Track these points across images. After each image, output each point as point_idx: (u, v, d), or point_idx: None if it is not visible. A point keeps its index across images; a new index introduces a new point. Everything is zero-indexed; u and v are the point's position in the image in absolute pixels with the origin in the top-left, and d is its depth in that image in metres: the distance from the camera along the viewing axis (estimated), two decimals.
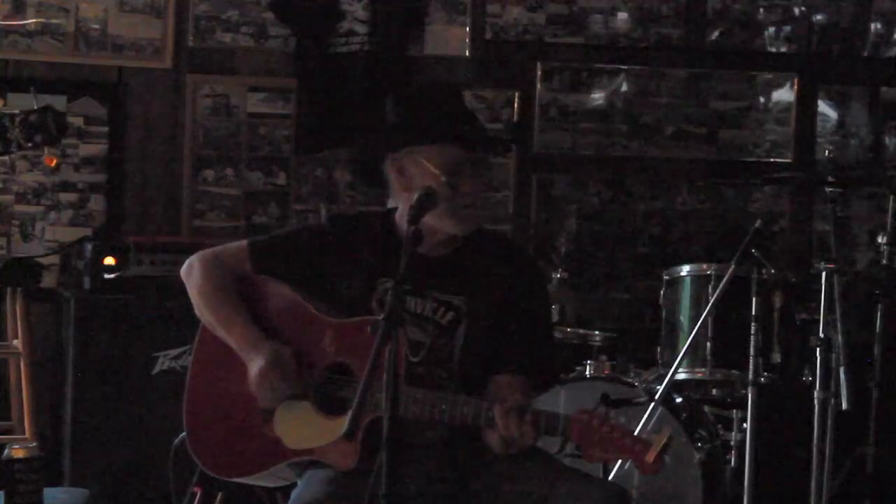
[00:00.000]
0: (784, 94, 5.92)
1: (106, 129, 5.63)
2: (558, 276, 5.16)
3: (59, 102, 5.52)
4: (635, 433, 2.78)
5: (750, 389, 4.32)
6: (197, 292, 3.16)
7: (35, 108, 3.17)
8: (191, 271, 3.19)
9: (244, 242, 3.22)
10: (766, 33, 5.91)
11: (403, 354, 2.85)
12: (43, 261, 5.18)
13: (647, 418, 4.26)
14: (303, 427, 3.00)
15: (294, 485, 3.12)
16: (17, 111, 3.19)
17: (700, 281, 4.66)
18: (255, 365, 3.01)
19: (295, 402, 3.01)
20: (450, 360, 3.05)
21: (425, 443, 2.99)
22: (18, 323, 4.81)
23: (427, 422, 2.90)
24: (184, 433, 3.16)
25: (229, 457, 3.10)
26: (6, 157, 3.22)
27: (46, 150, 3.20)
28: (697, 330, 4.41)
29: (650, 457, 2.69)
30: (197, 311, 3.17)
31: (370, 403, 2.73)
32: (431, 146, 3.04)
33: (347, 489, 2.87)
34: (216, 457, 3.12)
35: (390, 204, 3.27)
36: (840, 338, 4.26)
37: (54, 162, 3.28)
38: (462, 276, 3.09)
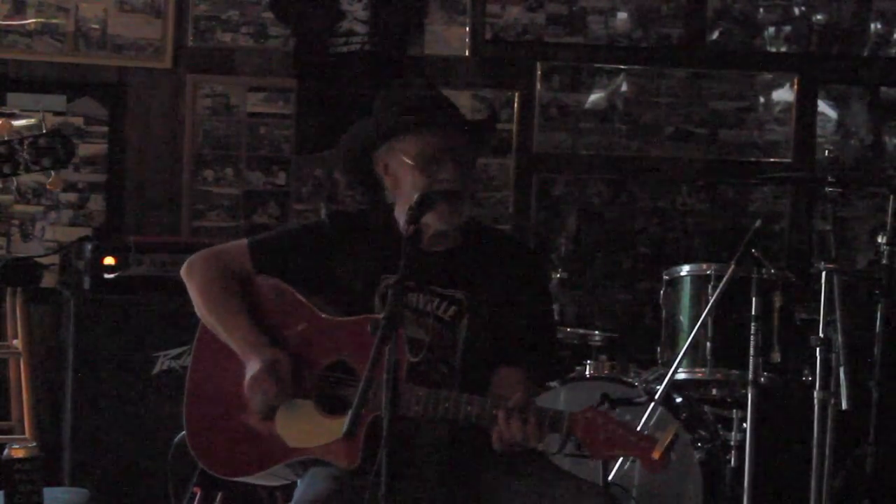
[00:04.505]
0: (784, 94, 5.92)
1: (106, 129, 5.64)
2: (558, 276, 5.16)
3: (59, 102, 5.55)
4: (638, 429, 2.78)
5: (750, 389, 4.32)
6: (197, 292, 3.15)
7: (44, 131, 3.18)
8: (191, 271, 3.18)
9: (244, 241, 3.21)
10: (766, 33, 5.91)
11: (404, 355, 2.85)
12: (43, 261, 5.17)
13: (647, 418, 4.26)
14: (304, 426, 3.00)
15: (294, 484, 3.12)
16: (25, 133, 3.19)
17: (700, 281, 4.66)
18: (251, 368, 3.01)
19: (296, 402, 3.01)
20: (452, 354, 3.05)
21: (425, 442, 2.99)
22: (18, 323, 4.81)
23: (428, 421, 2.89)
24: (184, 432, 3.16)
25: (229, 456, 3.09)
26: (13, 179, 3.22)
27: (53, 174, 3.21)
28: (697, 330, 4.41)
29: (655, 454, 2.68)
30: (197, 311, 3.16)
31: (372, 402, 2.73)
32: (406, 138, 3.04)
33: (350, 488, 2.86)
34: (216, 456, 3.11)
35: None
36: (840, 338, 4.25)
37: (59, 187, 3.28)
38: (463, 271, 3.09)
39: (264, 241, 3.22)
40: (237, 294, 3.12)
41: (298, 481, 3.09)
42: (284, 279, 3.13)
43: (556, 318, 4.98)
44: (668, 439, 2.69)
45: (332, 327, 3.04)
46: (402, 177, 3.05)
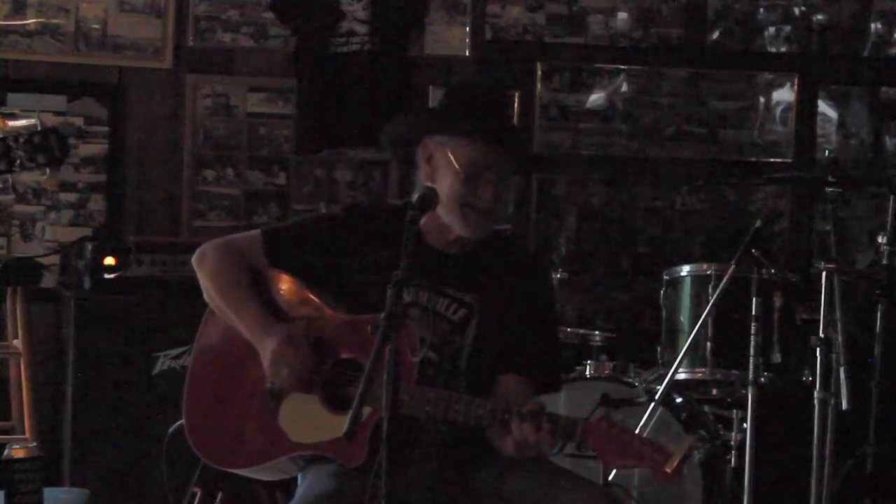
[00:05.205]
0: (784, 94, 5.92)
1: (106, 129, 5.63)
2: (558, 276, 5.15)
3: (59, 102, 5.55)
4: (646, 434, 2.75)
5: (750, 389, 4.32)
6: (208, 277, 3.12)
7: (39, 129, 3.18)
8: (203, 258, 3.15)
9: (257, 232, 3.18)
10: (766, 33, 5.91)
11: (411, 354, 2.84)
12: (43, 261, 5.17)
13: (647, 418, 4.26)
14: (309, 421, 2.98)
15: (294, 483, 3.12)
16: (21, 132, 3.20)
17: (700, 281, 4.66)
18: (268, 346, 2.98)
19: (302, 396, 3.00)
20: (458, 357, 3.05)
21: (427, 442, 2.99)
22: (18, 323, 4.81)
23: (429, 421, 2.89)
24: (180, 421, 3.14)
25: (229, 447, 3.07)
26: (8, 176, 3.23)
27: (48, 171, 3.22)
28: (697, 330, 4.41)
29: (668, 468, 2.67)
30: (206, 297, 3.14)
31: (378, 400, 2.72)
32: (461, 140, 3.02)
33: (354, 485, 2.85)
34: (215, 446, 3.09)
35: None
36: (840, 338, 4.25)
37: (55, 185, 3.30)
38: (475, 275, 3.09)
39: (278, 231, 3.20)
40: (248, 280, 3.09)
41: (299, 478, 3.09)
42: (297, 271, 3.11)
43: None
44: (683, 453, 2.65)
45: (343, 324, 3.03)
46: (442, 176, 3.03)
